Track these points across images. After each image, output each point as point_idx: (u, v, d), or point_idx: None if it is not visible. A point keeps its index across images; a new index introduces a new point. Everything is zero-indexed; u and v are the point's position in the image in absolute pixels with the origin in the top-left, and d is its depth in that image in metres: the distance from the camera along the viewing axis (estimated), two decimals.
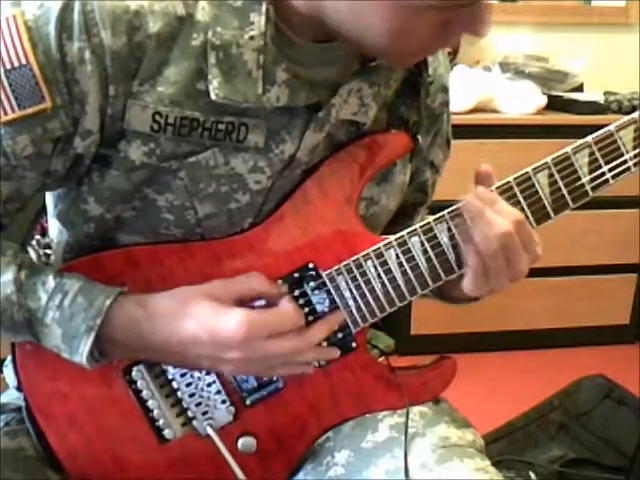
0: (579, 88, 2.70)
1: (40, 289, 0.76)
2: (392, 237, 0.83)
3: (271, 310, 0.78)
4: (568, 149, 0.83)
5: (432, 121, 0.94)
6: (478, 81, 2.48)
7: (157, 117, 0.74)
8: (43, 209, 0.91)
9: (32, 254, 0.91)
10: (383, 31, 0.71)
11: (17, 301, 0.75)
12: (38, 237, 0.93)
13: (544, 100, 2.51)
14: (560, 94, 2.60)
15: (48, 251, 0.91)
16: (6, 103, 0.71)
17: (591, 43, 2.78)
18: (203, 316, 0.76)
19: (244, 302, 0.78)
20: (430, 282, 0.83)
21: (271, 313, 0.78)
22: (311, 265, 0.83)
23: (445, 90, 0.94)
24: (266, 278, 0.81)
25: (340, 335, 0.85)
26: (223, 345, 0.75)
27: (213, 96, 0.74)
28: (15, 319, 0.76)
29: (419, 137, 0.88)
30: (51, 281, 0.76)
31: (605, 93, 2.61)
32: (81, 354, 0.75)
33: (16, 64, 0.71)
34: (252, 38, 0.74)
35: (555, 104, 2.54)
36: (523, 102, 2.48)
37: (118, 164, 0.77)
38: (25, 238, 0.95)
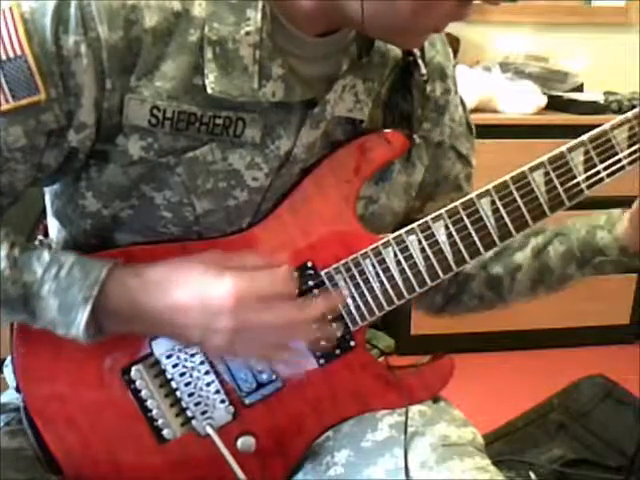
0: (579, 88, 2.71)
1: (35, 263, 0.76)
2: (390, 236, 0.83)
3: (262, 271, 0.77)
4: (563, 148, 0.83)
5: (440, 112, 0.92)
6: (478, 81, 2.48)
7: (155, 111, 0.75)
8: (45, 209, 0.91)
9: None
10: (408, 8, 0.72)
11: (11, 277, 0.75)
12: (41, 237, 0.93)
13: (544, 100, 2.51)
14: (560, 94, 2.61)
15: None
16: (0, 94, 0.72)
17: (591, 43, 2.78)
18: (193, 283, 0.76)
19: None
20: (428, 280, 0.83)
21: (261, 273, 0.77)
22: (310, 264, 0.83)
23: (444, 78, 0.92)
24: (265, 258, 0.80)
25: (339, 334, 0.85)
26: (213, 312, 0.75)
27: (209, 90, 0.75)
28: (10, 295, 0.75)
29: (415, 137, 0.88)
30: (46, 255, 0.76)
31: (605, 93, 2.61)
32: (78, 325, 0.75)
33: (11, 55, 0.71)
34: (248, 34, 0.75)
35: (555, 104, 2.54)
36: (523, 102, 2.48)
37: (116, 158, 0.77)
38: (28, 238, 0.94)
